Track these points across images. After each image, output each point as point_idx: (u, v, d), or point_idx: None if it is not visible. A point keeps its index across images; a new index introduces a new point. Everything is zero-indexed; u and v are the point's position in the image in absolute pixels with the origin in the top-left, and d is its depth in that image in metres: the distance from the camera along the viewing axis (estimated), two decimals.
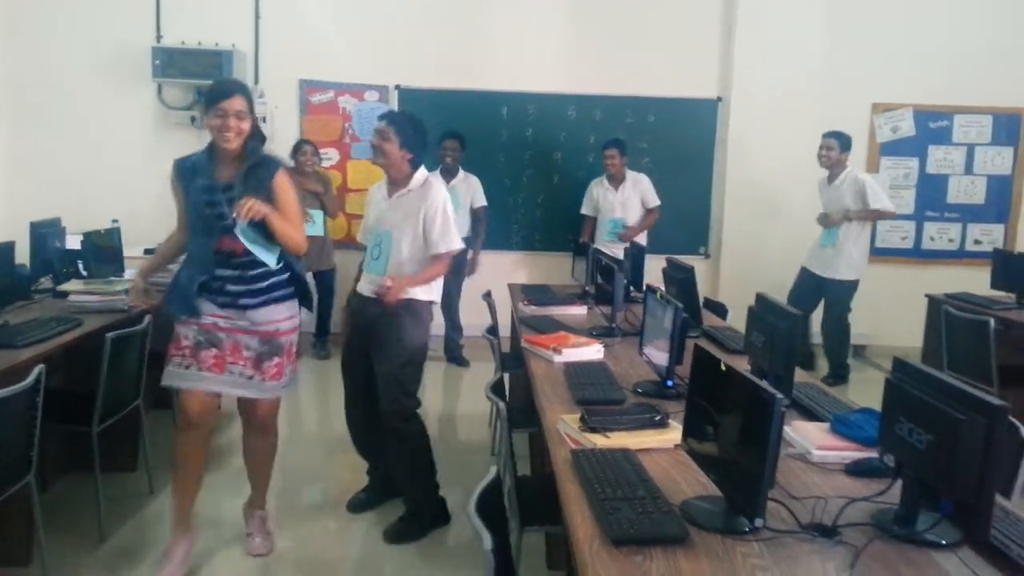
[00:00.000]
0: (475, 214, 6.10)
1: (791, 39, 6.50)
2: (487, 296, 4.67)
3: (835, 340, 5.98)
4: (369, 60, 6.50)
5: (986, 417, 1.53)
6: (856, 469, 2.05)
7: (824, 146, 5.74)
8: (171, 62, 6.22)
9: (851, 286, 5.83)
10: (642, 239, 6.05)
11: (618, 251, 5.28)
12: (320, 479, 4.10)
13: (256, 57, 6.46)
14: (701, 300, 4.81)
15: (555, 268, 6.58)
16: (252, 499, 3.34)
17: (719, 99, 6.70)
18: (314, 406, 5.45)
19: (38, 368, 2.67)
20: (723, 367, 1.79)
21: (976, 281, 5.45)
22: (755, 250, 6.64)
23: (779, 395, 1.56)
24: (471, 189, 6.06)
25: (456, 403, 5.57)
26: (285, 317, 3.04)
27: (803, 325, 5.90)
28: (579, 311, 4.20)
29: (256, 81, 6.46)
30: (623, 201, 6.10)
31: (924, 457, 1.67)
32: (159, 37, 6.38)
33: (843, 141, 5.74)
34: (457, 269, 5.88)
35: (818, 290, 5.89)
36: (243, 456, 3.33)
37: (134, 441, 3.83)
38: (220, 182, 2.92)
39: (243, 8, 6.40)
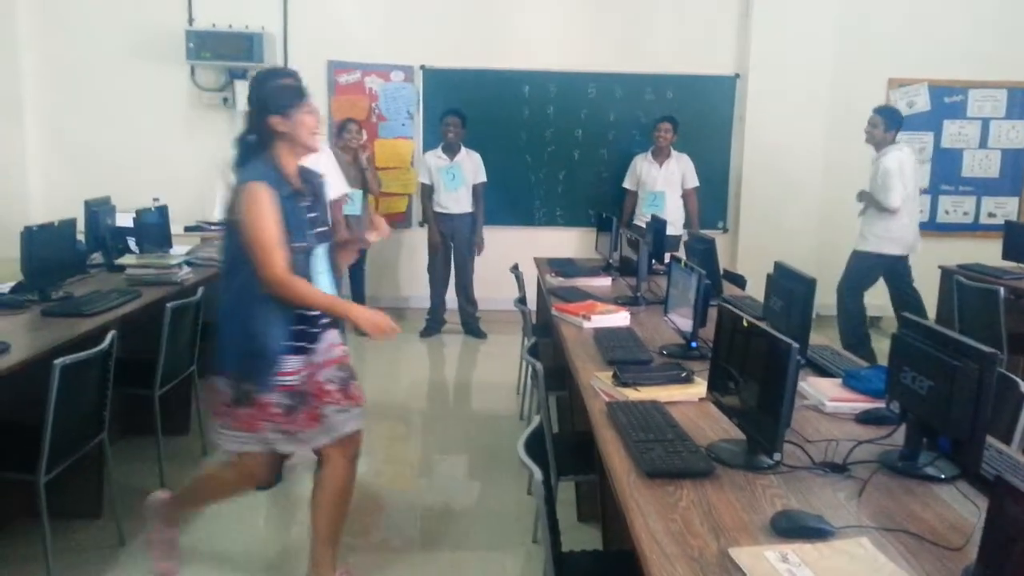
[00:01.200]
0: (475, 190, 6.24)
1: (807, 16, 6.62)
2: (515, 269, 4.88)
3: (840, 308, 5.81)
4: (394, 41, 6.69)
5: (978, 363, 1.73)
6: (866, 417, 2.26)
7: (869, 122, 5.55)
8: (203, 44, 6.42)
9: (865, 259, 5.70)
10: (679, 215, 6.26)
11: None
12: None
13: (285, 39, 6.66)
14: (721, 271, 5.03)
15: (577, 242, 6.79)
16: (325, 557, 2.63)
17: (737, 76, 6.84)
18: None
19: (111, 334, 2.91)
20: (745, 323, 2.00)
21: (990, 253, 5.60)
22: (773, 224, 6.79)
23: (794, 344, 1.76)
24: (475, 165, 6.23)
25: (476, 373, 5.79)
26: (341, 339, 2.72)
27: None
28: (604, 282, 4.40)
29: (285, 62, 6.65)
30: (667, 176, 6.30)
31: (925, 400, 1.87)
32: (191, 20, 6.58)
33: (888, 118, 5.50)
34: (467, 245, 6.14)
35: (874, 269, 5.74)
36: (319, 505, 2.62)
37: (187, 406, 4.08)
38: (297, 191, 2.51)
39: None
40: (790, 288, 2.70)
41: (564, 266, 4.71)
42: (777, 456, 1.84)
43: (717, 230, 7.00)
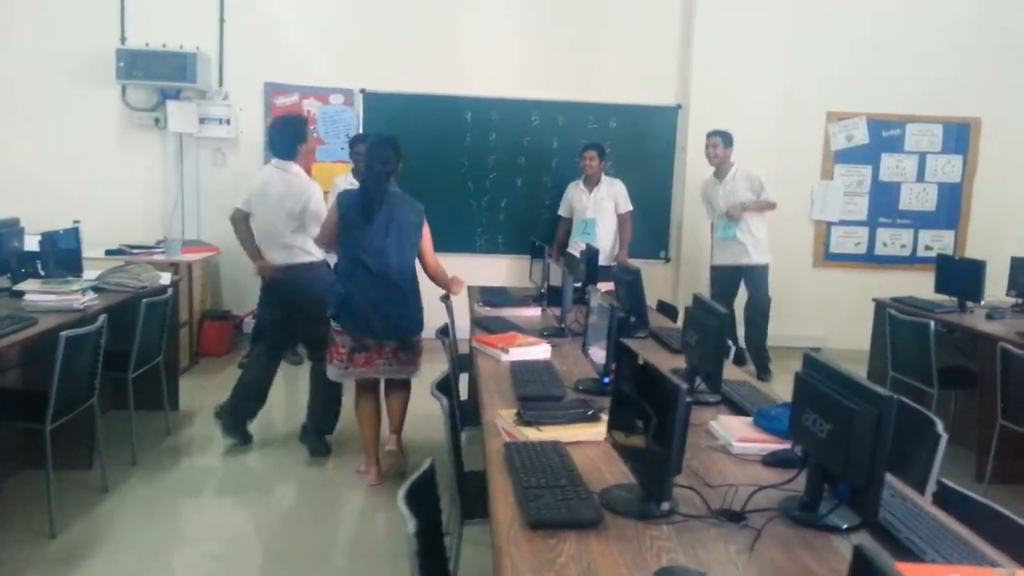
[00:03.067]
0: None
1: (748, 49, 6.67)
2: (444, 298, 4.75)
3: (760, 326, 6.23)
4: (334, 63, 6.57)
5: (876, 407, 1.64)
6: (772, 460, 2.16)
7: (711, 144, 6.09)
8: (135, 64, 6.24)
9: (766, 269, 6.22)
10: (612, 242, 6.24)
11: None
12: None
13: (220, 59, 6.50)
14: (655, 303, 4.95)
15: (519, 270, 6.69)
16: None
17: (679, 106, 6.85)
18: None
19: None
20: (640, 361, 1.89)
21: (927, 286, 5.59)
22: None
23: (683, 386, 1.66)
24: None
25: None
26: None
27: (731, 323, 6.10)
28: (533, 312, 4.30)
29: (221, 83, 6.50)
30: (597, 203, 6.23)
31: (825, 445, 1.77)
32: (123, 39, 6.39)
33: (726, 138, 6.10)
34: None
35: (735, 282, 6.20)
36: (398, 408, 4.05)
37: (90, 440, 3.86)
38: None
39: (207, 10, 6.45)
40: (704, 322, 2.61)
41: (494, 295, 4.60)
42: (666, 506, 1.72)
43: (659, 259, 6.98)
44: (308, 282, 4.18)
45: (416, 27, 6.62)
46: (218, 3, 6.45)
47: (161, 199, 6.49)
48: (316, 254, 4.25)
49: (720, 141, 6.09)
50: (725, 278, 6.24)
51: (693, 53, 6.71)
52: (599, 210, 6.21)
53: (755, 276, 6.21)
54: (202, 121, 6.40)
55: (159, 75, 6.25)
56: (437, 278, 4.01)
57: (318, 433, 4.29)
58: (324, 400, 4.30)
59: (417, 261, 3.92)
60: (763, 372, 6.12)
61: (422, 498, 1.93)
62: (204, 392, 5.46)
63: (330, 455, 4.29)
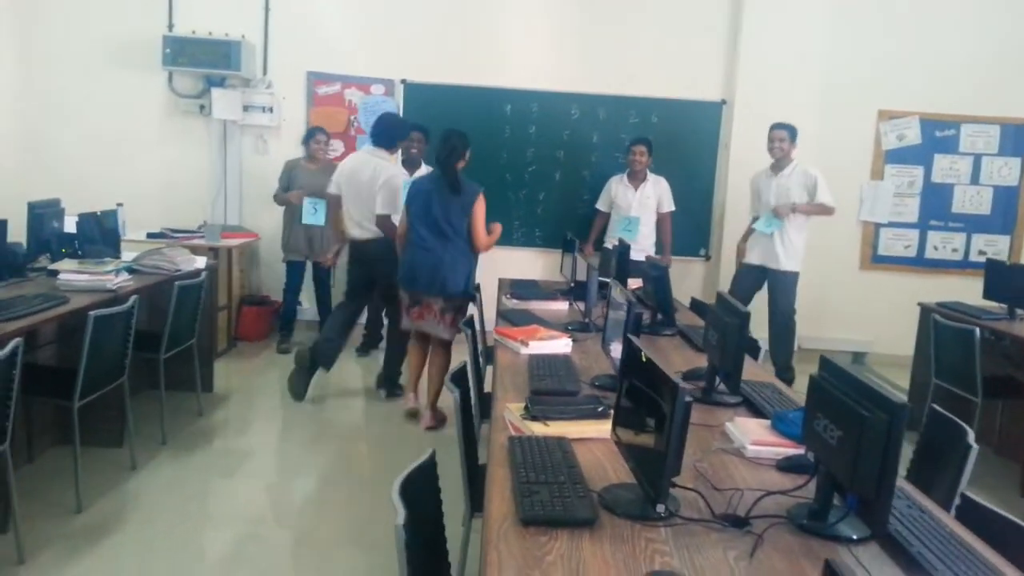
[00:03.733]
0: None
1: (796, 43, 6.48)
2: (475, 289, 4.73)
3: (782, 337, 5.88)
4: (376, 54, 6.58)
5: (888, 414, 1.56)
6: (786, 465, 2.08)
7: (776, 138, 5.74)
8: (181, 51, 6.33)
9: (795, 278, 5.84)
10: (652, 240, 6.11)
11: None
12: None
13: (265, 48, 6.56)
14: (690, 300, 4.87)
15: (553, 265, 6.62)
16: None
17: (723, 102, 6.70)
18: None
19: (15, 341, 2.76)
20: (643, 358, 1.83)
21: (978, 291, 5.37)
22: None
23: (684, 385, 1.60)
24: None
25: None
26: None
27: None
28: (560, 306, 4.25)
29: (264, 72, 6.56)
30: (641, 200, 6.12)
31: (835, 452, 1.70)
32: (171, 26, 6.49)
33: (792, 132, 5.77)
34: None
35: (759, 282, 5.90)
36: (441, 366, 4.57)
37: (120, 418, 3.93)
38: None
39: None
40: (725, 321, 2.53)
41: (523, 288, 4.56)
42: (661, 508, 1.66)
43: (699, 257, 6.85)
44: (384, 252, 4.77)
45: (457, 18, 6.59)
46: None
47: (204, 185, 6.59)
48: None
49: (787, 135, 5.73)
50: (749, 276, 5.94)
51: (740, 48, 6.55)
52: (644, 208, 6.11)
53: (781, 282, 5.82)
54: (246, 109, 6.47)
55: (205, 62, 6.33)
56: (478, 247, 4.48)
57: (389, 378, 5.15)
58: (393, 349, 5.13)
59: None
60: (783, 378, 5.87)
61: (419, 490, 1.90)
62: (239, 375, 5.55)
63: (400, 396, 5.04)
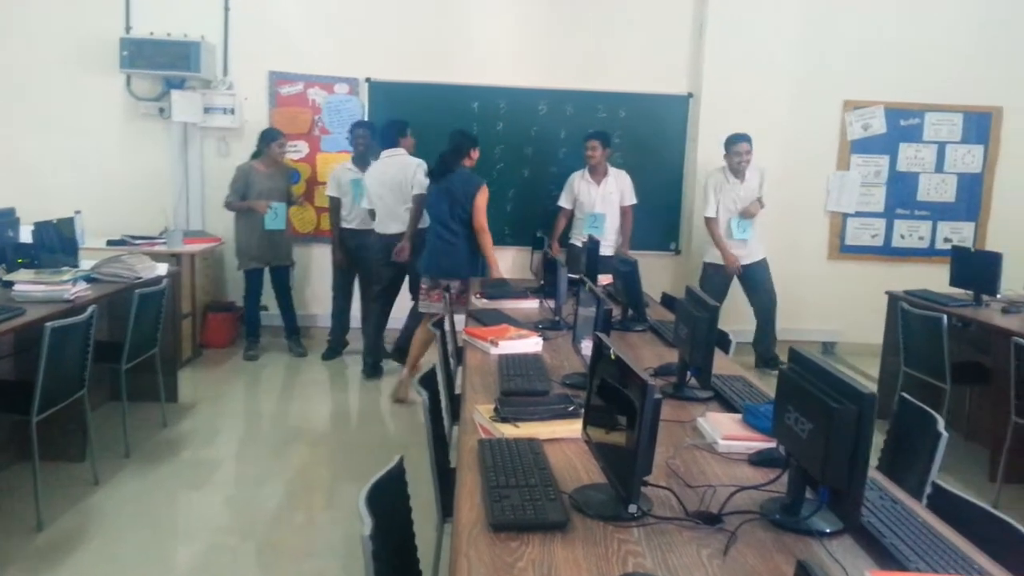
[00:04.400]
0: None
1: (762, 36, 6.50)
2: (446, 289, 4.68)
3: (769, 325, 6.24)
4: (339, 52, 6.49)
5: (857, 405, 1.54)
6: (758, 459, 2.06)
7: (743, 151, 5.96)
8: (140, 53, 6.19)
9: (767, 263, 6.22)
10: (618, 235, 6.09)
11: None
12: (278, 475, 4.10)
13: (225, 48, 6.44)
14: (659, 295, 4.85)
15: (524, 262, 6.59)
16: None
17: (690, 95, 6.71)
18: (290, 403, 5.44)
19: None
20: (612, 356, 1.80)
21: (945, 278, 5.43)
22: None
23: (653, 382, 1.56)
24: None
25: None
26: None
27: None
28: (531, 305, 4.21)
29: (225, 73, 6.45)
30: (605, 196, 6.07)
31: (805, 445, 1.67)
32: (128, 28, 6.35)
33: (750, 140, 5.99)
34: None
35: (729, 283, 6.19)
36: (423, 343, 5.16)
37: (82, 432, 3.83)
38: None
39: None
40: (695, 315, 2.51)
41: (493, 287, 4.51)
42: (633, 508, 1.63)
43: (669, 251, 6.85)
44: (413, 244, 5.32)
45: (423, 14, 6.52)
46: None
47: (165, 189, 6.46)
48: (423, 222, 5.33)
49: (750, 147, 5.96)
50: (722, 277, 6.15)
51: (706, 41, 6.55)
52: (608, 204, 6.06)
53: (760, 271, 6.17)
54: (206, 111, 6.36)
55: (164, 64, 6.20)
56: (479, 237, 4.94)
57: (399, 349, 5.72)
58: (408, 327, 5.60)
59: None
60: (772, 363, 6.13)
61: (387, 498, 1.85)
62: (205, 384, 5.45)
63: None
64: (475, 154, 5.06)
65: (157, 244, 5.77)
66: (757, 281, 6.17)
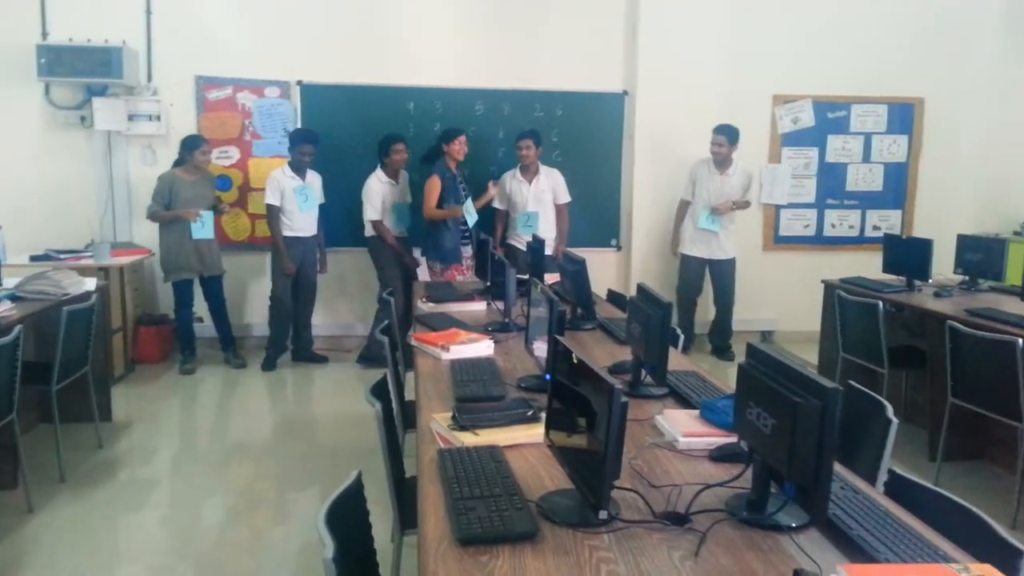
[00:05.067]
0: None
1: (693, 34, 6.59)
2: (389, 294, 4.60)
3: (727, 319, 6.50)
4: (269, 55, 6.32)
5: (820, 399, 1.54)
6: (719, 455, 2.07)
7: (714, 142, 6.14)
8: (58, 60, 5.91)
9: (735, 263, 6.45)
10: (554, 233, 6.09)
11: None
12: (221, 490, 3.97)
13: (149, 53, 6.21)
14: (606, 292, 4.87)
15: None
16: None
17: (625, 93, 6.75)
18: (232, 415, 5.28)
19: None
20: (574, 359, 1.77)
21: (876, 266, 5.59)
22: (665, 242, 6.72)
23: (618, 385, 1.54)
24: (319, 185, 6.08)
25: (347, 404, 5.43)
26: None
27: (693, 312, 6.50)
28: (478, 307, 4.17)
29: (149, 78, 6.22)
30: (537, 194, 6.05)
31: (769, 441, 1.68)
32: (45, 34, 6.08)
33: (731, 135, 6.15)
34: (314, 271, 6.16)
35: (703, 274, 6.44)
36: None
37: (12, 458, 3.64)
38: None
39: (133, 2, 6.15)
40: (648, 313, 2.51)
41: (438, 291, 4.46)
42: (603, 514, 1.61)
43: (610, 248, 6.89)
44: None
45: (355, 16, 6.40)
46: None
47: (90, 201, 6.19)
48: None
49: (725, 139, 6.12)
50: (698, 267, 6.40)
51: (639, 39, 6.61)
52: (540, 202, 6.05)
53: (726, 269, 6.39)
54: (131, 118, 6.13)
55: (84, 71, 5.93)
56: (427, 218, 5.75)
57: (367, 359, 5.99)
58: (373, 337, 5.58)
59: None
60: (727, 353, 6.47)
61: (347, 516, 1.79)
62: (141, 400, 5.25)
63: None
64: (450, 147, 5.73)
65: (83, 258, 5.53)
66: (721, 278, 6.40)
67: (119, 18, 6.12)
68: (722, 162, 6.20)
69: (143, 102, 6.16)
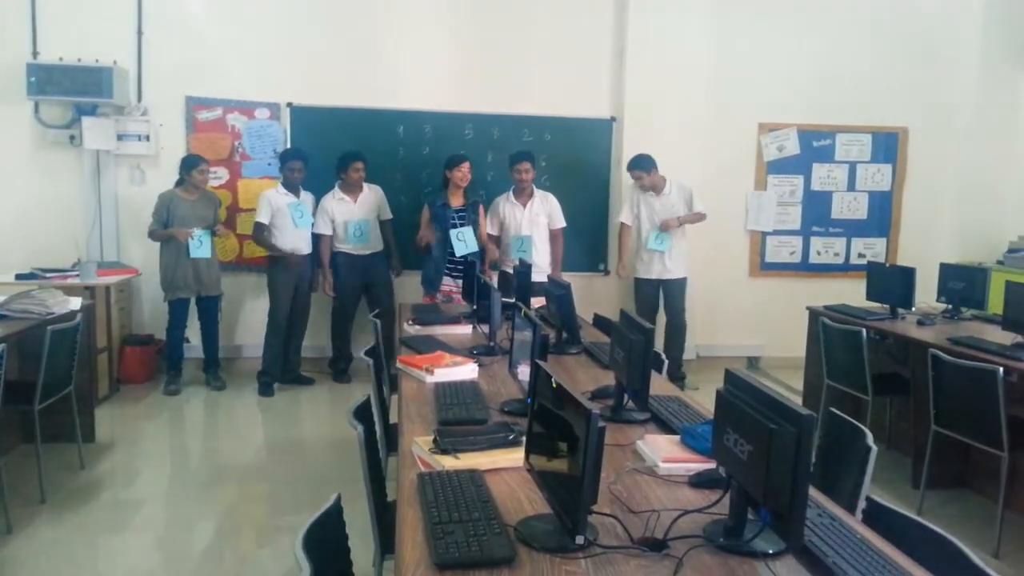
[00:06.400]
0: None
1: (680, 63, 6.66)
2: (376, 315, 4.61)
3: (677, 339, 6.34)
4: (260, 77, 6.36)
5: (795, 427, 1.56)
6: (698, 480, 2.08)
7: (635, 177, 6.20)
8: (48, 79, 5.94)
9: (685, 283, 6.36)
10: (549, 258, 6.12)
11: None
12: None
13: (139, 73, 6.24)
14: (591, 317, 4.88)
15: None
16: None
17: (613, 119, 6.82)
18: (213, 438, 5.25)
19: None
20: (553, 384, 1.79)
21: (860, 293, 5.64)
22: None
23: (595, 410, 1.56)
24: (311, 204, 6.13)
25: (329, 426, 5.39)
26: None
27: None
28: (464, 330, 4.18)
29: (139, 98, 6.24)
30: (531, 218, 6.06)
31: (746, 467, 1.69)
32: (35, 53, 6.10)
33: (646, 164, 6.13)
34: (309, 289, 6.16)
35: (657, 296, 6.34)
36: None
37: None
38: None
39: (125, 23, 6.18)
40: (630, 338, 2.52)
41: (425, 313, 4.47)
42: (580, 539, 1.61)
43: (598, 272, 6.92)
44: None
45: (345, 38, 6.45)
46: (136, 15, 6.18)
47: (77, 220, 6.18)
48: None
49: (641, 172, 6.13)
50: (649, 291, 6.32)
51: (626, 66, 6.69)
52: (535, 226, 6.05)
53: (675, 289, 6.28)
54: (120, 138, 6.14)
55: (74, 91, 5.96)
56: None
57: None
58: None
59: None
60: (679, 380, 6.25)
61: (324, 540, 1.78)
62: (124, 421, 5.22)
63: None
64: (450, 173, 5.88)
65: (69, 277, 5.51)
66: (670, 298, 6.28)
67: (110, 38, 6.15)
68: (652, 188, 6.19)
69: (133, 122, 6.18)
